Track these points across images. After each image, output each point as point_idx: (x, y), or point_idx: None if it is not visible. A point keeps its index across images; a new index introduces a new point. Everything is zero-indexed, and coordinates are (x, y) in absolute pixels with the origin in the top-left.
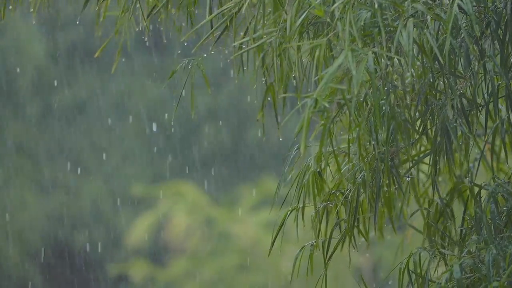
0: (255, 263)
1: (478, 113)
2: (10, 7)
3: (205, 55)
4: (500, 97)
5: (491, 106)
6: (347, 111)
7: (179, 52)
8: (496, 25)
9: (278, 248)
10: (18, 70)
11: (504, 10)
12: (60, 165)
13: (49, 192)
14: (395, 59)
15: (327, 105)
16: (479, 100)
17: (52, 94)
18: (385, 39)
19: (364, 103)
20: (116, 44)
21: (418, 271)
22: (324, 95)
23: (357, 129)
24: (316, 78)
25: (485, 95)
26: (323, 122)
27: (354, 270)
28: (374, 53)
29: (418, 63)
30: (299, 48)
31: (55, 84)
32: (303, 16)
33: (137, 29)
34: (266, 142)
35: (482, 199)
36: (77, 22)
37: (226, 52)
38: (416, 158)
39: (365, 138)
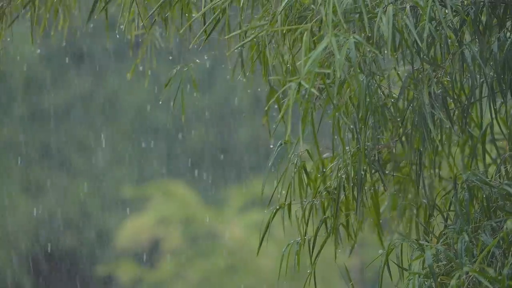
0: (243, 264)
1: (464, 113)
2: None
3: (197, 60)
4: (483, 97)
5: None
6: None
7: (170, 58)
8: (475, 15)
9: (264, 249)
10: (6, 71)
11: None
12: (49, 166)
13: (38, 193)
14: (375, 46)
15: (313, 89)
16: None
17: (41, 95)
18: (367, 25)
19: (344, 88)
20: (104, 48)
21: (398, 262)
22: (309, 79)
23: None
24: (300, 62)
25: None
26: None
27: (341, 271)
28: (355, 38)
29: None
30: (284, 37)
31: (44, 85)
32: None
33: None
34: (255, 143)
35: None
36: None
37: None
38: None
39: (344, 122)
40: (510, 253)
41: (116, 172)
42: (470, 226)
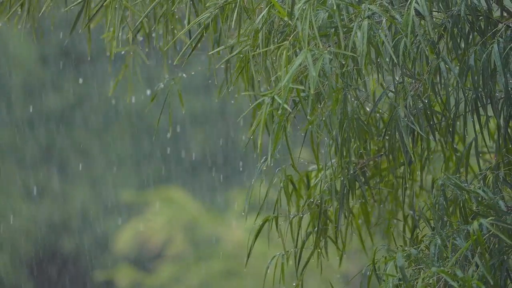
0: (243, 269)
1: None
2: None
3: (184, 75)
4: (463, 114)
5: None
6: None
7: (169, 62)
8: (452, 28)
9: (266, 253)
10: (5, 74)
11: (459, 13)
12: (48, 171)
13: (37, 197)
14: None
15: (286, 106)
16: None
17: (40, 98)
18: (343, 39)
19: (318, 102)
20: (105, 49)
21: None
22: (283, 94)
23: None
24: (274, 77)
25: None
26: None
27: (342, 277)
28: (330, 52)
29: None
30: (266, 52)
31: (43, 88)
32: (263, 13)
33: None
34: (254, 147)
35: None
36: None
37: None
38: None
39: (319, 137)
40: (476, 254)
41: (116, 176)
42: (445, 231)
